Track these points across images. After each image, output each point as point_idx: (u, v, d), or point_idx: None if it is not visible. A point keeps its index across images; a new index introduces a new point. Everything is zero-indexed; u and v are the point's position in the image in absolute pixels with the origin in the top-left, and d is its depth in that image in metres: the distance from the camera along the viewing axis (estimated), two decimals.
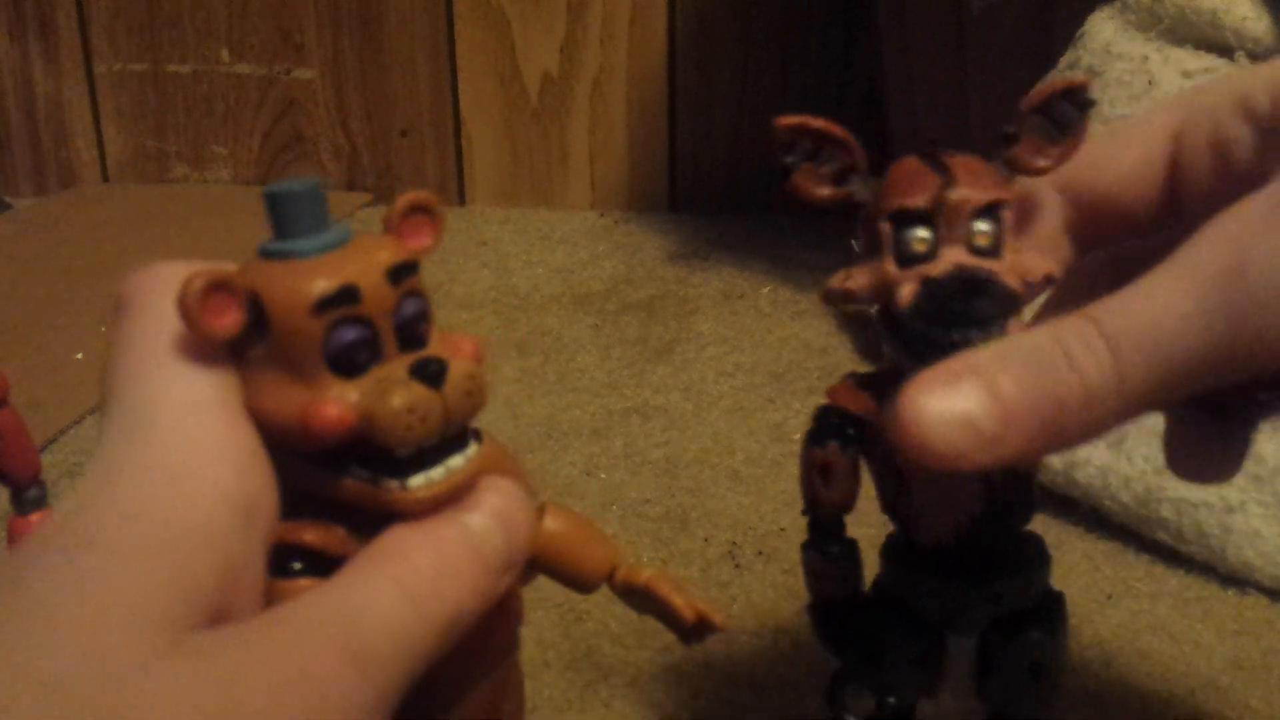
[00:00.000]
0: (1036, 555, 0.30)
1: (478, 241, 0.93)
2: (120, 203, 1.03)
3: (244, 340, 0.23)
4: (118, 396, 0.22)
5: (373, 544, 0.23)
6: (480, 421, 0.24)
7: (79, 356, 0.70)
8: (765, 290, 0.81)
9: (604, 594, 0.46)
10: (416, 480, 0.23)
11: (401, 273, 0.23)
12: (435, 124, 1.04)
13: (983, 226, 0.27)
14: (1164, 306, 0.23)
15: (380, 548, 0.23)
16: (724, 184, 1.01)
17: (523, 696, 0.29)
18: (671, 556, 0.50)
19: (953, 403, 0.23)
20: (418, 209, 0.25)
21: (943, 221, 0.27)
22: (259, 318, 0.23)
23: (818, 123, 0.29)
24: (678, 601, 0.29)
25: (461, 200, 1.05)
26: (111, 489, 0.21)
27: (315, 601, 0.22)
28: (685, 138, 1.01)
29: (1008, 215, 0.27)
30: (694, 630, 0.30)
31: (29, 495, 0.41)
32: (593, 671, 0.43)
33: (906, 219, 0.27)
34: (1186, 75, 0.55)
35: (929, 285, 0.26)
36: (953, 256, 0.27)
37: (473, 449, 0.24)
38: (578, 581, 0.29)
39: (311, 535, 0.23)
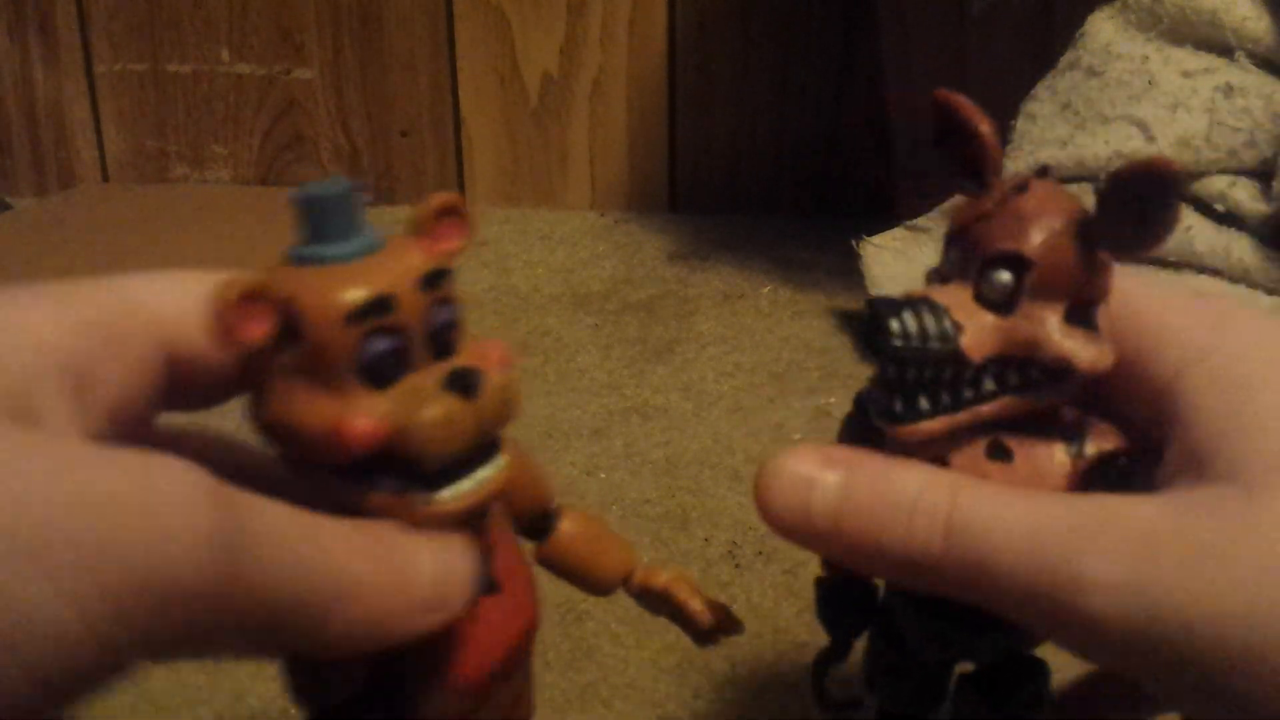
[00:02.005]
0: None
1: (478, 241, 0.93)
2: (120, 203, 1.03)
3: (273, 348, 0.22)
4: None
5: None
6: None
7: None
8: (765, 290, 0.81)
9: None
10: (445, 494, 0.22)
11: (435, 280, 0.23)
12: (435, 124, 1.04)
13: (1002, 277, 0.24)
14: (1010, 535, 0.22)
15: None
16: (724, 184, 1.01)
17: (532, 701, 0.29)
18: (671, 556, 0.50)
19: (808, 480, 0.24)
20: (448, 211, 0.24)
21: (959, 253, 0.25)
22: (290, 325, 0.22)
23: (966, 112, 0.27)
24: (696, 606, 0.29)
25: None
26: None
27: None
28: (685, 138, 1.01)
29: (1034, 277, 0.24)
30: (710, 633, 0.30)
31: None
32: (593, 671, 0.43)
33: (950, 239, 0.26)
34: (1186, 75, 0.55)
35: (868, 303, 0.24)
36: (946, 293, 0.24)
37: (502, 460, 0.23)
38: (594, 585, 0.29)
39: None
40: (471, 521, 0.24)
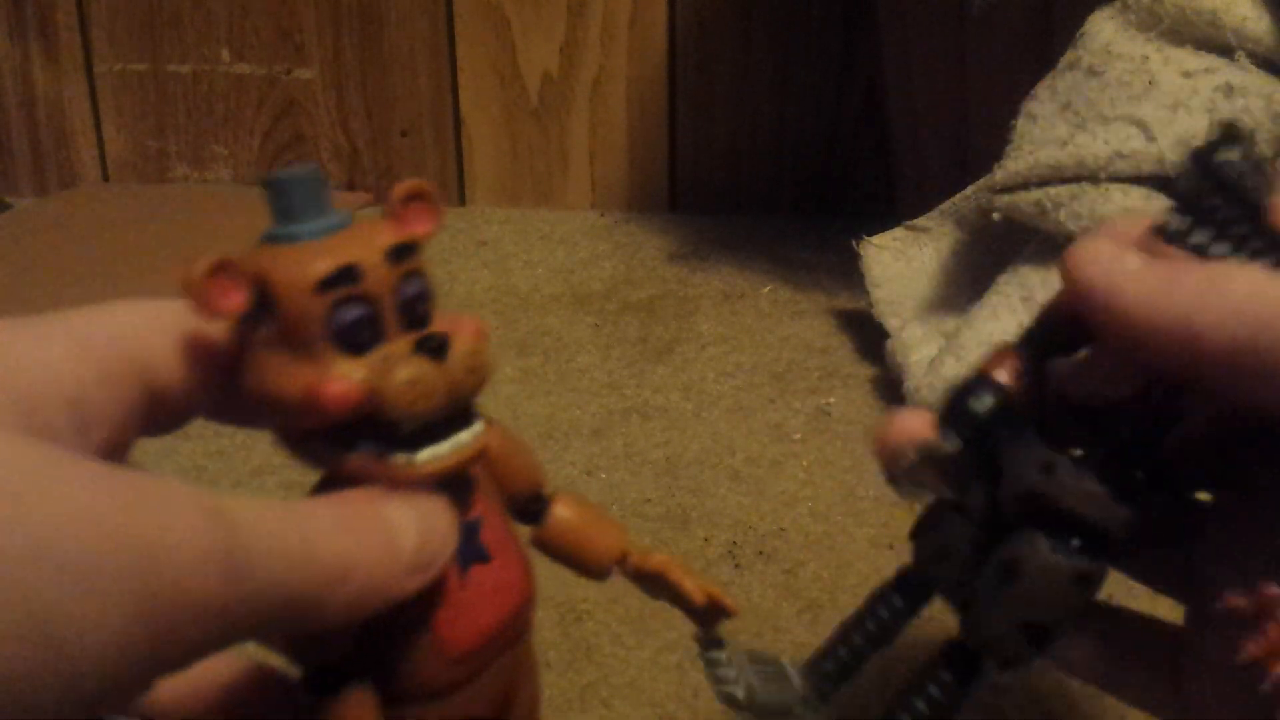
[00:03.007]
0: None
1: (478, 241, 0.93)
2: (120, 203, 1.03)
3: (249, 322, 0.23)
4: None
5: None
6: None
7: None
8: (765, 290, 0.81)
9: (604, 593, 0.46)
10: (422, 455, 0.23)
11: (401, 253, 0.24)
12: (435, 124, 1.04)
13: None
14: None
15: (280, 501, 0.23)
16: (724, 184, 1.01)
17: (538, 684, 0.30)
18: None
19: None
20: (415, 196, 0.25)
21: None
22: (264, 299, 0.23)
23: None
24: (688, 585, 0.29)
25: (461, 200, 1.05)
26: None
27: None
28: (685, 138, 1.01)
29: None
30: (706, 613, 0.30)
31: None
32: (593, 671, 0.43)
33: None
34: (1186, 75, 0.55)
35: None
36: None
37: (479, 426, 0.24)
38: (588, 568, 0.29)
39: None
40: (454, 487, 0.25)
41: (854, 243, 0.72)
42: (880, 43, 0.82)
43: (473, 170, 1.04)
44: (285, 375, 0.23)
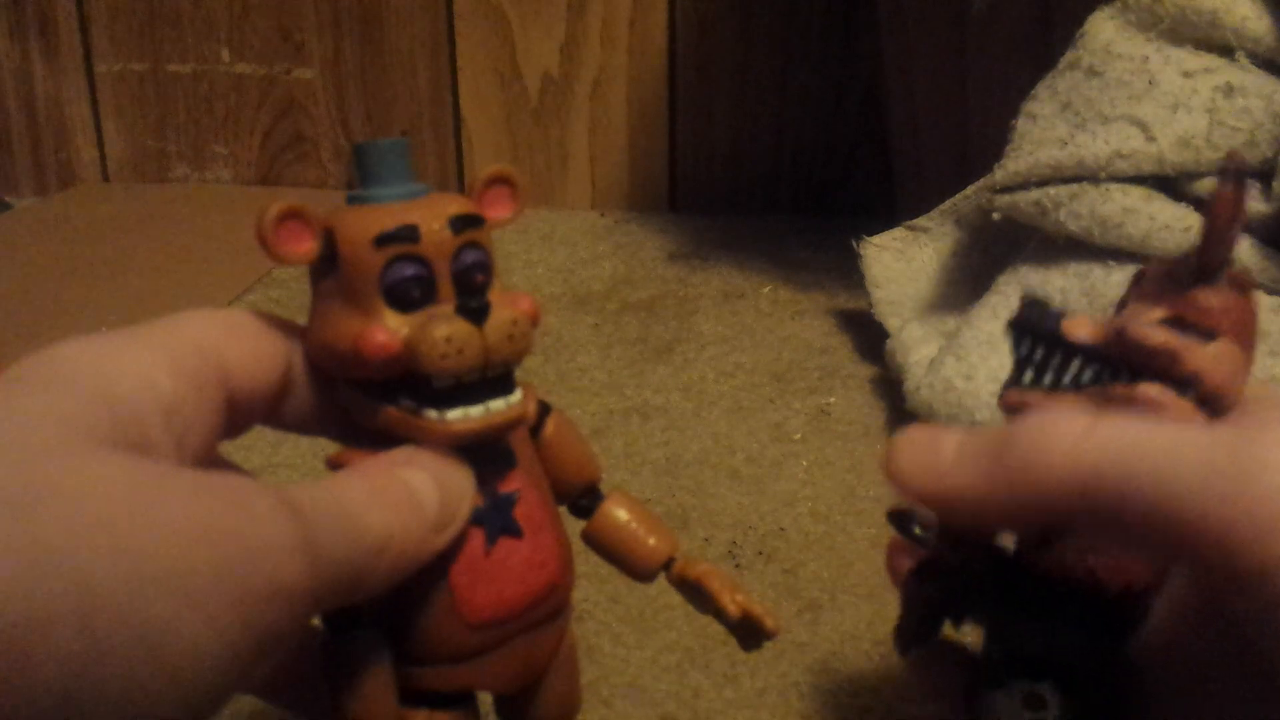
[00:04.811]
0: None
1: None
2: (120, 203, 1.03)
3: (319, 272, 0.25)
4: None
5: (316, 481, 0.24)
6: None
7: None
8: (765, 290, 0.81)
9: (604, 593, 0.46)
10: (454, 414, 0.24)
11: (464, 223, 0.25)
12: (435, 124, 1.04)
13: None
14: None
15: (317, 480, 0.24)
16: (724, 184, 1.01)
17: (576, 684, 0.30)
18: None
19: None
20: (499, 180, 0.27)
21: None
22: (330, 251, 0.24)
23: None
24: (725, 599, 0.29)
25: None
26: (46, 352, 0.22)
27: (260, 481, 0.22)
28: (685, 138, 1.01)
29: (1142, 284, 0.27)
30: (742, 629, 0.30)
31: None
32: (593, 671, 0.43)
33: None
34: (1187, 75, 0.55)
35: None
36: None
37: (516, 396, 0.25)
38: (634, 568, 0.30)
39: (359, 460, 0.25)
40: (489, 455, 0.26)
41: (854, 243, 0.72)
42: (880, 43, 0.82)
43: (473, 170, 1.04)
44: (340, 324, 0.24)
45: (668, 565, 0.30)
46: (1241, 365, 0.25)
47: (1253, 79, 0.55)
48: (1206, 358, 0.24)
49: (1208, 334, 0.24)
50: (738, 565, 0.49)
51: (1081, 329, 0.26)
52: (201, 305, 0.26)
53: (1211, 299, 0.25)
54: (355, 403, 0.25)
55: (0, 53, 1.07)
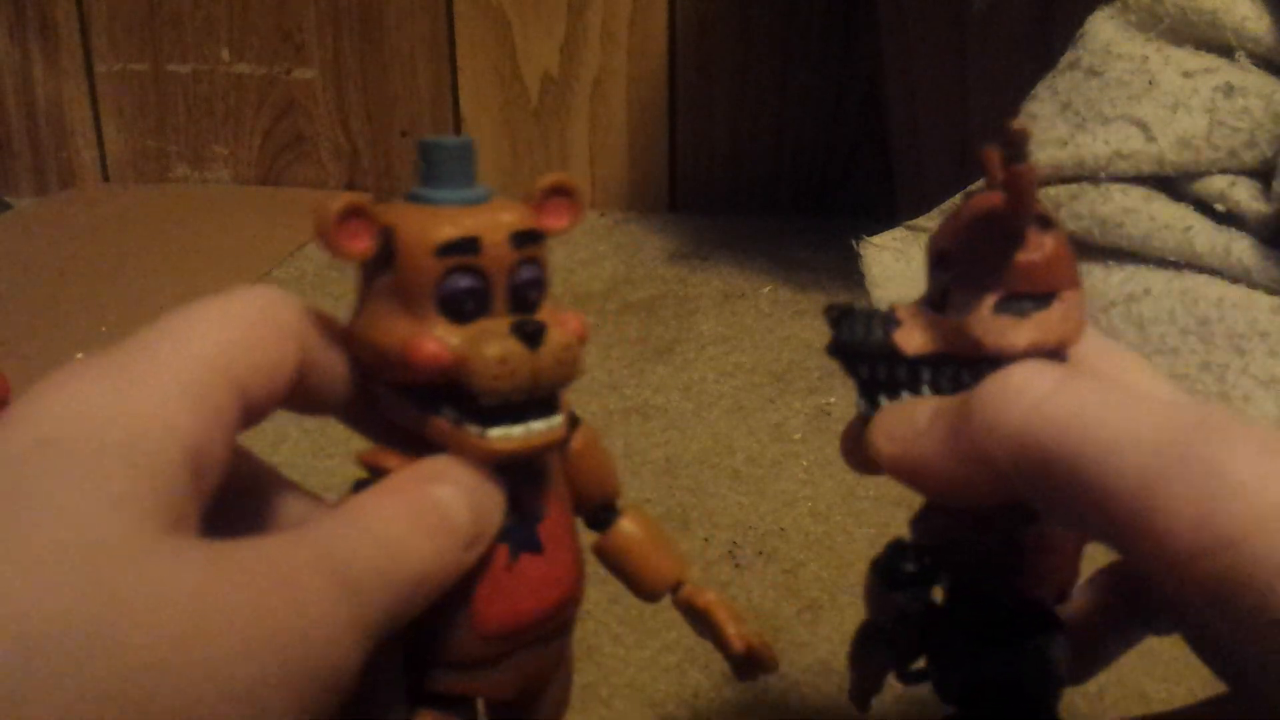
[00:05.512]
0: None
1: None
2: (120, 203, 1.03)
3: (372, 268, 0.25)
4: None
5: (347, 502, 0.24)
6: None
7: (79, 356, 0.70)
8: (765, 290, 0.81)
9: (604, 593, 0.46)
10: (495, 432, 0.24)
11: (525, 238, 0.25)
12: (435, 124, 1.04)
13: (937, 276, 0.26)
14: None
15: (354, 504, 0.24)
16: (724, 184, 1.01)
17: (569, 689, 0.30)
18: None
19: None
20: (559, 191, 0.26)
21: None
22: (388, 250, 0.24)
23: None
24: (729, 631, 0.29)
25: None
26: (65, 388, 0.22)
27: (301, 534, 0.22)
28: (685, 138, 1.01)
29: (957, 270, 0.25)
30: (743, 662, 0.30)
31: None
32: (593, 671, 0.43)
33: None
34: (1186, 75, 0.55)
35: (825, 310, 0.27)
36: (904, 305, 0.27)
37: (558, 419, 0.25)
38: (641, 587, 0.30)
39: (395, 462, 0.25)
40: (523, 473, 0.25)
41: (854, 243, 0.72)
42: (880, 43, 0.82)
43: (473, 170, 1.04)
44: (391, 326, 0.24)
45: (675, 588, 0.30)
46: (1084, 300, 0.24)
47: (1253, 79, 0.55)
48: (1056, 324, 0.23)
49: (1045, 298, 0.23)
50: (738, 565, 0.49)
51: (914, 341, 0.25)
52: None
53: (1034, 259, 0.23)
54: (393, 403, 0.25)
55: (0, 53, 1.07)
